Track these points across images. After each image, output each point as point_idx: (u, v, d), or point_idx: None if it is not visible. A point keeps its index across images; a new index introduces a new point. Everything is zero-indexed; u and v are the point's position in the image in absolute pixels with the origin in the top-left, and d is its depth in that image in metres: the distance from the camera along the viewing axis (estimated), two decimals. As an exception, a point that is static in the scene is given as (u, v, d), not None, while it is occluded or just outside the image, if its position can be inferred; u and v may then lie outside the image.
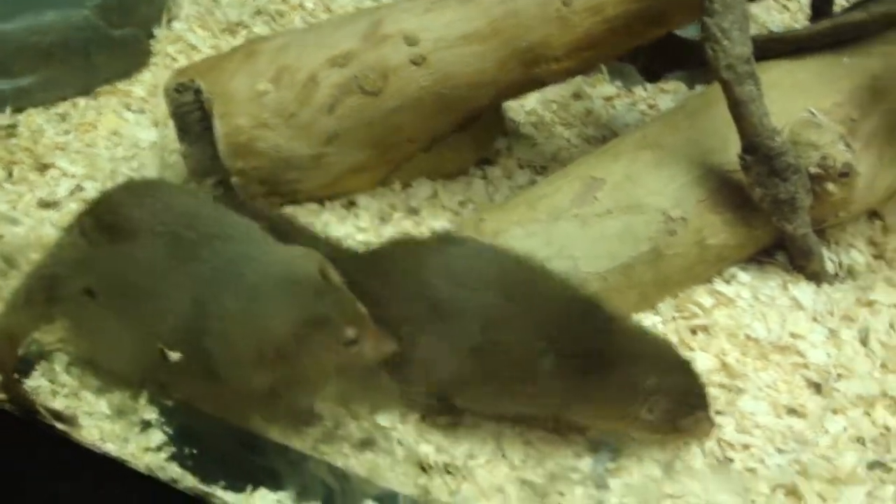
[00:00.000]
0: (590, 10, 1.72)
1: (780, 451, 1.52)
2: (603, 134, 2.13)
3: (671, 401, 1.41)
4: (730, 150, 1.62)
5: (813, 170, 1.61)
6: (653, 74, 2.16)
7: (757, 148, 1.54)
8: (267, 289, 1.34)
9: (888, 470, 1.50)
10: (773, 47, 1.78)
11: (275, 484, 1.36)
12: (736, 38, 1.55)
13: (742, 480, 1.47)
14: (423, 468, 1.38)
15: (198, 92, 1.77)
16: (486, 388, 1.43)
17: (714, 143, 1.66)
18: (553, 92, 2.22)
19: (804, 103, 1.68)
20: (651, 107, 2.21)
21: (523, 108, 2.19)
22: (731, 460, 1.50)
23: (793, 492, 1.46)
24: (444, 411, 1.47)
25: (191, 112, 1.78)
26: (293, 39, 1.82)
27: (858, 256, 1.83)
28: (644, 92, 2.25)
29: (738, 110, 1.54)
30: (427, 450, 1.40)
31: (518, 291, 1.43)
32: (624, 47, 1.83)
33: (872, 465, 1.50)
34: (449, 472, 1.37)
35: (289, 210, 1.86)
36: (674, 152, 1.68)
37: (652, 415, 1.41)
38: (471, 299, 1.42)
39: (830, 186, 1.63)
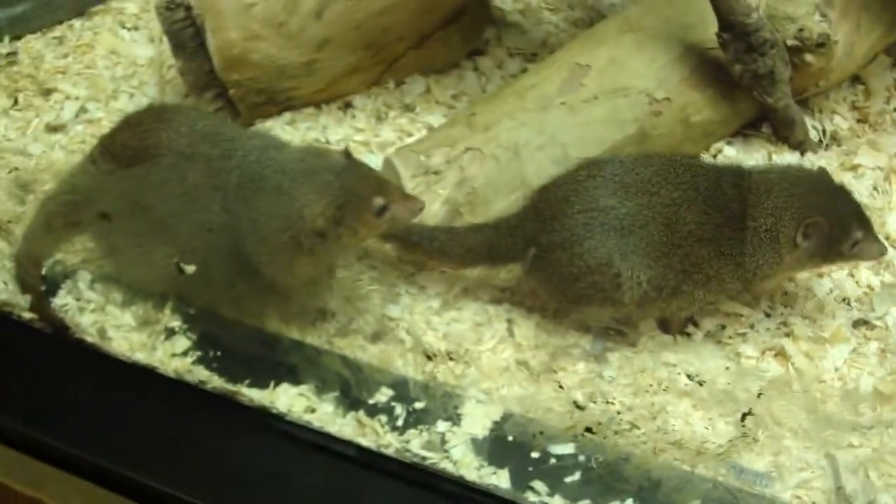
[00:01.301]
0: None
1: (767, 315, 1.61)
2: (590, 16, 2.15)
3: (827, 223, 1.46)
4: (709, 27, 1.66)
5: (790, 42, 1.65)
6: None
7: (733, 25, 1.58)
8: (293, 179, 1.42)
9: (872, 327, 1.58)
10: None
11: (295, 379, 1.46)
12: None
13: (734, 346, 1.56)
14: (429, 356, 1.47)
15: (188, 8, 1.81)
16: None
17: (693, 22, 1.70)
18: (538, -22, 2.24)
19: (780, -24, 1.71)
20: (635, -15, 2.23)
21: (512, -6, 2.22)
22: (723, 326, 1.59)
23: (781, 353, 1.55)
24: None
25: (183, 28, 1.83)
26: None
27: (842, 122, 1.88)
28: (632, -28, 2.27)
29: (711, -13, 1.58)
30: (432, 339, 1.50)
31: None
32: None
33: (857, 324, 1.59)
34: (452, 359, 1.47)
35: (287, 116, 1.93)
36: (655, 34, 1.72)
37: (809, 241, 1.46)
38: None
39: (808, 57, 1.67)
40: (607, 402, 1.41)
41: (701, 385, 1.47)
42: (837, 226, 1.47)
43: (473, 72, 2.06)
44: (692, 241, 1.46)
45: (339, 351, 1.50)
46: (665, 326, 1.56)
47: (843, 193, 1.52)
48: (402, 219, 1.46)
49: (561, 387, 1.44)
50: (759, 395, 1.45)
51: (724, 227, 1.47)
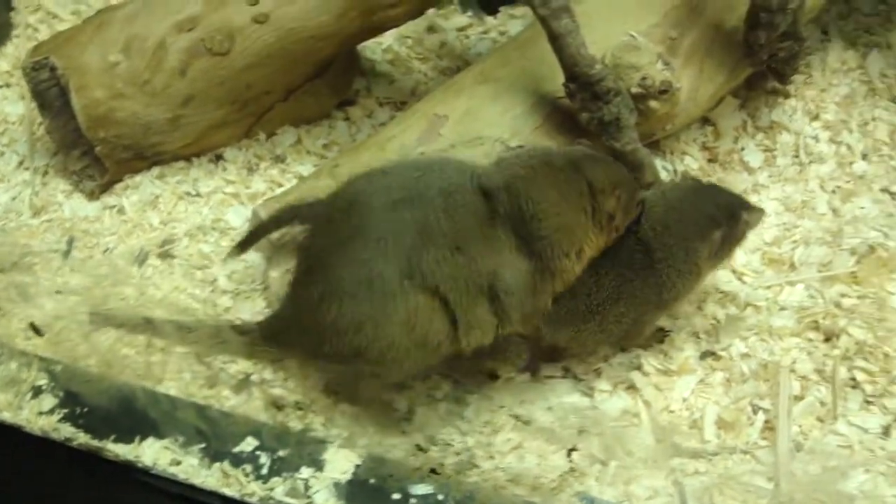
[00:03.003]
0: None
1: (623, 350, 1.69)
2: (458, 65, 2.22)
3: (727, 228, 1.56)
4: (558, 77, 1.72)
5: (635, 90, 1.73)
6: (490, 7, 2.25)
7: (578, 76, 1.66)
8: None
9: (718, 358, 1.67)
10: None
11: (159, 432, 1.49)
12: (548, -25, 1.65)
13: (588, 382, 1.63)
14: (278, 407, 1.52)
15: (53, 69, 1.83)
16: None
17: (544, 73, 1.76)
18: (407, 27, 2.30)
19: (623, 27, 1.78)
20: (503, 34, 2.30)
21: (380, 45, 2.27)
22: (580, 361, 1.66)
23: (631, 386, 1.62)
24: None
25: (49, 88, 1.85)
26: (141, 7, 1.88)
27: (692, 162, 1.98)
28: (495, 20, 2.35)
29: (557, 43, 1.64)
30: (279, 391, 1.54)
31: None
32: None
33: (704, 355, 1.67)
34: (300, 409, 1.51)
35: (156, 170, 1.96)
36: (508, 84, 1.79)
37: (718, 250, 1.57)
38: None
39: (653, 103, 1.75)
40: (446, 444, 1.46)
41: (527, 424, 1.53)
42: (731, 221, 1.57)
43: (344, 122, 2.11)
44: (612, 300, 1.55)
45: (201, 402, 1.53)
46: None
47: (717, 191, 1.63)
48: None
49: (404, 432, 1.49)
50: (580, 432, 1.52)
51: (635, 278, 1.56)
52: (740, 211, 1.58)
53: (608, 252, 1.54)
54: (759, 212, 1.61)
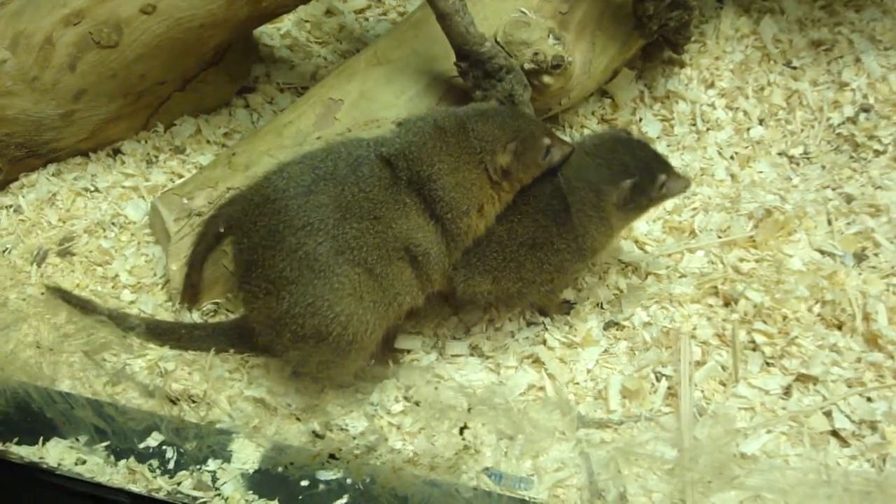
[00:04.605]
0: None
1: (529, 324, 1.70)
2: (357, 48, 2.21)
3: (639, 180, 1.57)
4: (451, 57, 1.72)
5: (527, 65, 1.74)
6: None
7: (468, 55, 1.66)
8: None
9: (621, 328, 1.69)
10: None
11: (61, 433, 1.47)
12: (435, -45, 1.65)
13: (495, 358, 1.65)
14: (173, 400, 1.51)
15: (-61, 70, 1.79)
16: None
17: (437, 52, 1.76)
18: (306, 11, 2.29)
19: (514, 4, 1.80)
20: (402, 14, 2.30)
21: (278, 31, 2.26)
22: (488, 338, 1.68)
23: (536, 360, 1.64)
24: None
25: (-63, 89, 1.81)
26: (27, 3, 1.84)
27: (592, 134, 1.99)
28: (394, 1, 2.35)
29: (444, 22, 1.64)
30: (176, 386, 1.53)
31: None
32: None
33: (608, 326, 1.70)
34: (194, 401, 1.50)
35: (53, 167, 1.92)
36: (402, 66, 1.79)
37: (628, 201, 1.57)
38: None
39: (546, 78, 1.76)
40: (342, 430, 1.47)
41: (427, 405, 1.54)
42: (646, 176, 1.58)
43: (244, 109, 2.10)
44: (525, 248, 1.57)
45: (105, 399, 1.52)
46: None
47: (640, 145, 1.63)
48: (560, 160, 1.57)
49: (298, 419, 1.50)
50: (469, 409, 1.53)
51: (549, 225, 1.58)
52: (658, 171, 1.59)
53: (527, 200, 1.56)
54: (682, 181, 1.61)
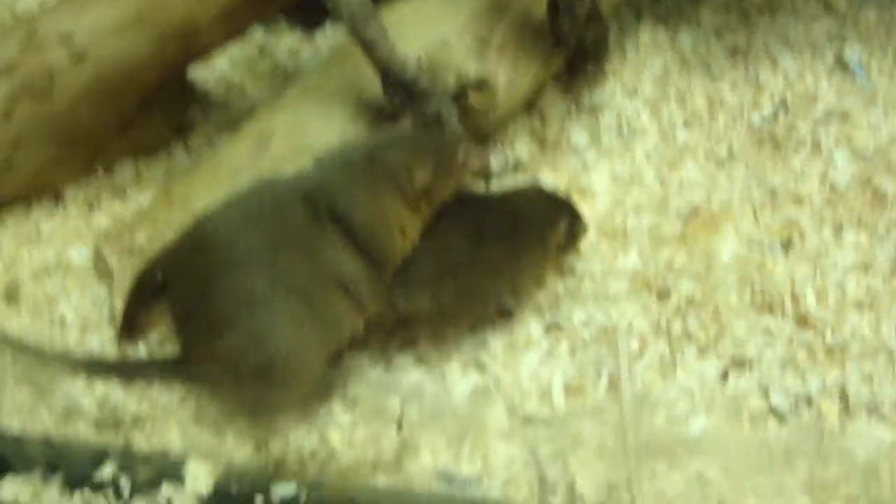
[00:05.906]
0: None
1: (472, 331, 1.74)
2: (291, 85, 2.25)
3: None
4: (379, 84, 1.79)
5: (452, 88, 1.81)
6: (310, 20, 2.31)
7: (392, 81, 1.72)
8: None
9: (561, 329, 1.74)
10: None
11: (15, 469, 1.49)
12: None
13: (440, 366, 1.69)
14: (123, 430, 1.54)
15: None
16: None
17: (365, 79, 1.80)
18: (239, 53, 2.34)
19: (435, 31, 1.86)
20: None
21: (213, 72, 2.30)
22: (432, 348, 1.71)
23: (480, 366, 1.68)
24: None
25: None
26: (-42, 57, 1.87)
27: (523, 149, 2.04)
28: (325, 39, 2.40)
29: (367, 50, 1.71)
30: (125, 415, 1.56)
31: None
32: (272, 7, 1.98)
33: (548, 328, 1.74)
34: (144, 429, 1.54)
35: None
36: (331, 94, 1.84)
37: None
38: None
39: (471, 99, 1.83)
40: (292, 445, 1.50)
41: (364, 415, 1.58)
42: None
43: (183, 150, 2.13)
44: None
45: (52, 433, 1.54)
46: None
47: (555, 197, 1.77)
48: (478, 166, 1.66)
49: (249, 439, 1.53)
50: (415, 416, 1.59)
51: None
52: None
53: (454, 211, 1.64)
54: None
